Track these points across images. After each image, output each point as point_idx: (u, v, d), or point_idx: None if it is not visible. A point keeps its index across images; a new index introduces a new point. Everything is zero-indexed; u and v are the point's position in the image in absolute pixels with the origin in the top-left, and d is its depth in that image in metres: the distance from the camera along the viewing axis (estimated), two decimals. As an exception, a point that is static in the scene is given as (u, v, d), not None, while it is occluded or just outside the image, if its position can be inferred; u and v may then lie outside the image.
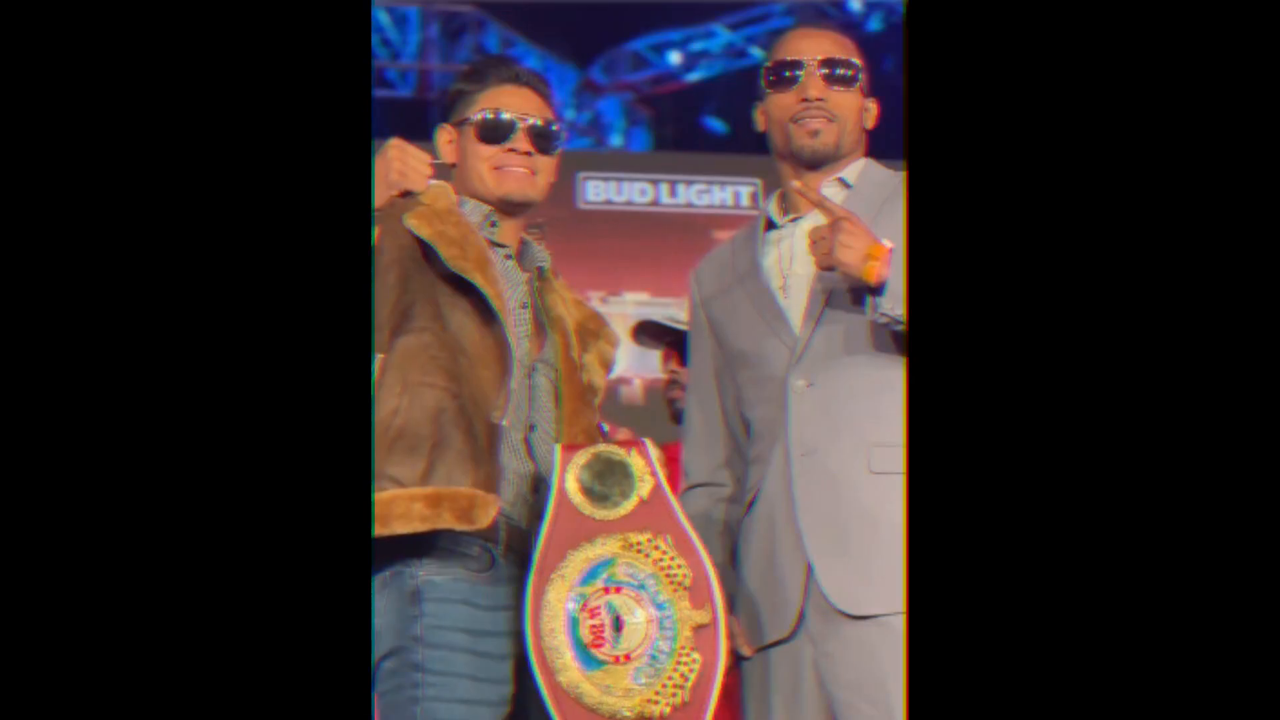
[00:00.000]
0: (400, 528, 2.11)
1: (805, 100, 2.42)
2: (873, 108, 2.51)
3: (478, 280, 2.24)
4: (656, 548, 2.17)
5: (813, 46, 2.46)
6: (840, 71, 2.43)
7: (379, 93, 6.74)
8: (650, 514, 2.20)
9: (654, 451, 2.25)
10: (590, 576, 2.15)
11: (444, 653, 2.15)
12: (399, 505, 2.11)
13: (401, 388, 2.17)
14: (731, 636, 2.31)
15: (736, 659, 2.34)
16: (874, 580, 2.21)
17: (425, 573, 2.17)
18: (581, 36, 6.76)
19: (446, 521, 2.13)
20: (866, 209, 2.34)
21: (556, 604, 2.13)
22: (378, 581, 2.16)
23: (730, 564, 2.41)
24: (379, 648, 2.16)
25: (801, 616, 2.27)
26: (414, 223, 2.26)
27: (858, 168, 2.46)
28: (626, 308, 6.51)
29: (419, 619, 2.15)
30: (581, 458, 2.21)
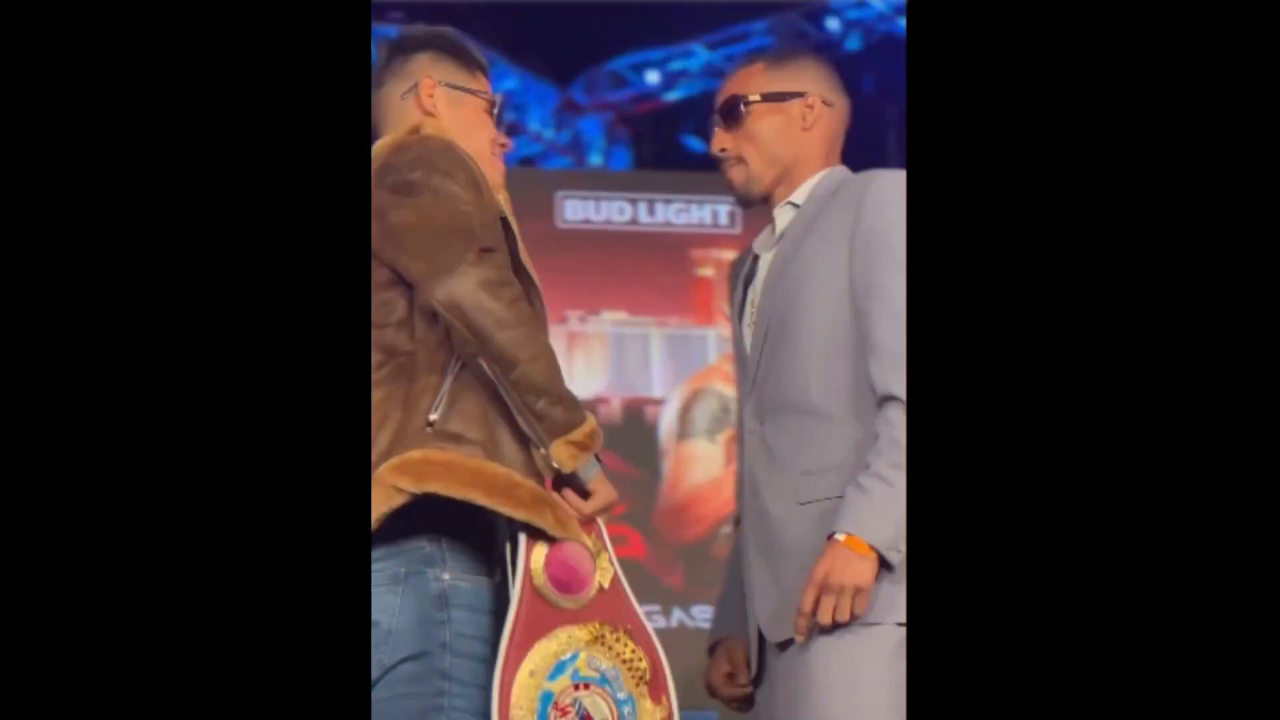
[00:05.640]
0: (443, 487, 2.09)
1: (720, 152, 2.42)
2: (816, 106, 2.40)
3: None
4: (619, 640, 2.20)
5: (721, 94, 2.43)
6: (732, 110, 2.38)
7: (361, 111, 6.74)
8: (610, 602, 2.21)
9: (606, 532, 2.25)
10: (558, 671, 2.15)
11: (472, 663, 2.12)
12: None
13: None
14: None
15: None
16: (795, 608, 2.20)
17: (450, 576, 2.13)
18: (561, 56, 6.77)
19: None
20: (803, 226, 2.33)
21: (525, 701, 2.12)
22: (385, 576, 2.10)
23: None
24: (394, 648, 2.10)
25: (761, 654, 2.32)
26: None
27: (811, 184, 2.40)
28: (605, 327, 6.53)
29: (446, 625, 2.11)
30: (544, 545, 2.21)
